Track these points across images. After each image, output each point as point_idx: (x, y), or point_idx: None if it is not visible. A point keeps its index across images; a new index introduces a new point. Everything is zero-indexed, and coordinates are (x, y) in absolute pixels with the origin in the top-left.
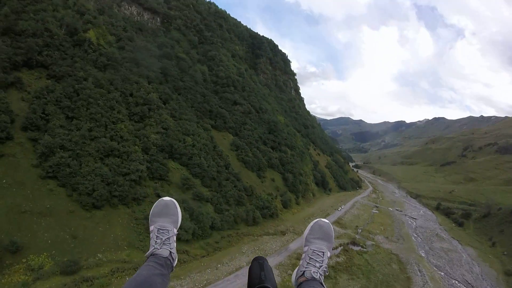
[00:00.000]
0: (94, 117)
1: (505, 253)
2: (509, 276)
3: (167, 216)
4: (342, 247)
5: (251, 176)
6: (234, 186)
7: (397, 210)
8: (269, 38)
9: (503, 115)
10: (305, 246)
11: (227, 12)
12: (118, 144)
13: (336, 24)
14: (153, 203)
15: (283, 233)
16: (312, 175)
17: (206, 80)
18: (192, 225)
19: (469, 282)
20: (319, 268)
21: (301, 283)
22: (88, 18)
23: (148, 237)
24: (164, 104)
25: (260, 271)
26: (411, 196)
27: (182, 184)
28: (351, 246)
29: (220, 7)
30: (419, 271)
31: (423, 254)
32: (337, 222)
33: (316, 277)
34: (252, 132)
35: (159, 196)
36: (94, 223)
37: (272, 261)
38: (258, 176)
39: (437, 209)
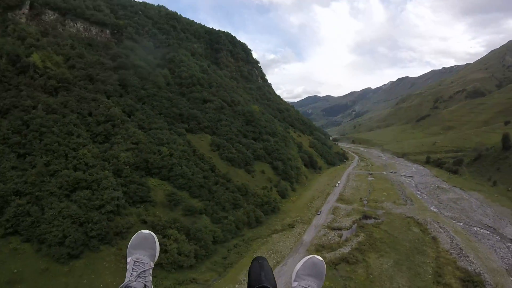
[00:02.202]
0: (50, 148)
1: (510, 189)
2: None
3: (144, 249)
4: (356, 224)
5: (240, 174)
6: (226, 189)
7: (391, 172)
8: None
9: (463, 63)
10: (294, 281)
11: (179, 14)
12: (84, 173)
13: (287, 8)
14: None
15: (291, 227)
16: (299, 158)
17: (170, 83)
18: (192, 247)
19: (489, 225)
20: None
21: None
22: (30, 42)
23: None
24: (129, 116)
25: (260, 271)
26: (397, 156)
27: (168, 201)
28: (364, 221)
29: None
30: (441, 228)
31: (435, 210)
32: (339, 199)
33: None
34: (230, 127)
35: (145, 223)
36: (76, 277)
37: (293, 262)
38: (248, 172)
39: (427, 162)
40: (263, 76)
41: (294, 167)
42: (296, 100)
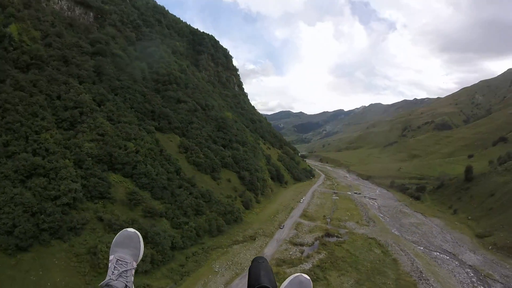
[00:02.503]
0: (11, 127)
1: (469, 218)
2: (481, 238)
3: (128, 248)
4: (318, 241)
5: (205, 180)
6: (190, 194)
7: (355, 193)
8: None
9: (435, 97)
10: None
11: (166, 9)
12: (44, 159)
13: (273, 21)
14: (95, 231)
15: (253, 239)
16: (267, 170)
17: (146, 78)
18: (148, 251)
19: (449, 250)
20: None
21: None
22: (11, 12)
23: (99, 275)
24: (99, 106)
25: (260, 271)
26: (362, 178)
27: (129, 200)
28: (327, 238)
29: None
30: (402, 250)
31: (397, 233)
32: (303, 215)
33: None
34: (201, 130)
35: (102, 220)
36: (23, 271)
37: None
38: (213, 178)
39: (391, 186)
40: (240, 85)
41: (261, 178)
42: (270, 113)
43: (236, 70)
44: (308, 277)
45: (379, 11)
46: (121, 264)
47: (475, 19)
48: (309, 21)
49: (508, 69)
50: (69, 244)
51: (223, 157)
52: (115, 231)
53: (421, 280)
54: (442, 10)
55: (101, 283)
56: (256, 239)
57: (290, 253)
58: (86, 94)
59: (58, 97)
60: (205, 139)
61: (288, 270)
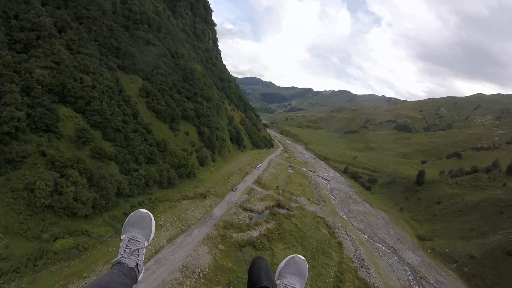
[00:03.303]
0: None
1: (413, 218)
2: (422, 241)
3: (140, 228)
4: (268, 210)
5: (163, 129)
6: (144, 140)
7: (310, 171)
8: None
9: (402, 99)
10: (277, 279)
11: None
12: None
13: None
14: (35, 166)
15: (203, 196)
16: (227, 131)
17: (117, 13)
18: (91, 194)
19: (391, 245)
20: None
21: None
22: None
23: (34, 214)
24: (59, 33)
25: (260, 271)
26: (319, 158)
27: (77, 137)
28: (277, 209)
29: None
30: (347, 235)
31: (345, 217)
32: (257, 182)
33: None
34: (166, 78)
35: (44, 155)
36: None
37: (198, 234)
38: (171, 129)
39: (345, 172)
40: (215, 41)
41: (220, 138)
42: (239, 76)
43: (213, 24)
44: (303, 258)
45: (368, 3)
46: (133, 243)
47: (459, 38)
48: None
49: (477, 93)
50: (6, 178)
51: (185, 109)
52: (57, 169)
53: (362, 268)
54: (430, 21)
55: (113, 260)
56: (207, 197)
57: (239, 217)
58: (47, 17)
59: (16, 17)
60: (169, 87)
61: (235, 235)
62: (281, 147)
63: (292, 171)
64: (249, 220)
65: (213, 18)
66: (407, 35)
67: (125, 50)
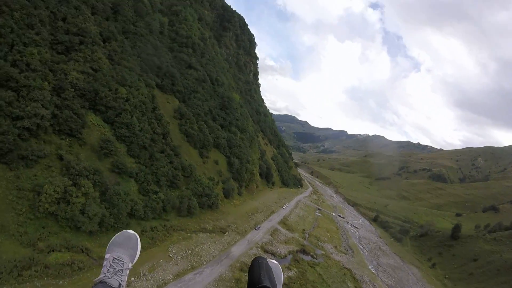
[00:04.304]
0: None
1: (447, 276)
2: None
3: (126, 249)
4: (292, 255)
5: (192, 153)
6: (170, 162)
7: (339, 216)
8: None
9: (438, 147)
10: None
11: None
12: (21, 73)
13: (304, 26)
14: (49, 169)
15: (223, 231)
16: (258, 165)
17: (164, 33)
18: (101, 210)
19: None
20: None
21: None
22: None
23: (36, 219)
24: (104, 42)
25: (260, 271)
26: (348, 203)
27: (100, 147)
28: (301, 255)
29: None
30: None
31: (373, 270)
32: (283, 223)
33: None
34: (203, 103)
35: (61, 159)
36: None
37: (210, 273)
38: (201, 155)
39: (375, 220)
40: (256, 74)
41: (250, 171)
42: (275, 113)
43: (256, 57)
44: (276, 262)
45: (409, 48)
46: (117, 263)
47: (498, 86)
48: (339, 36)
49: None
50: (15, 175)
51: (217, 137)
52: (71, 176)
53: None
54: (469, 67)
55: (96, 279)
56: (227, 233)
57: None
58: (94, 26)
59: (63, 19)
60: (205, 112)
61: None
62: (311, 188)
63: (320, 215)
64: None
65: (256, 52)
66: (446, 81)
67: (166, 70)
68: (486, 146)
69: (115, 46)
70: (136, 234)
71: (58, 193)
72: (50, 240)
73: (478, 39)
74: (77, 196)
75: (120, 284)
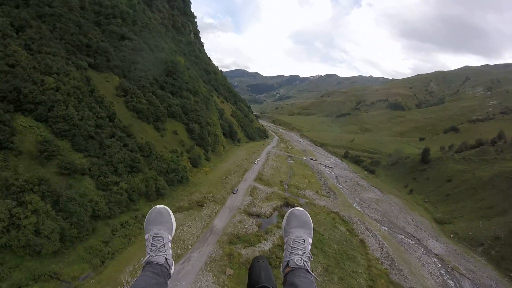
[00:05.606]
0: None
1: (426, 200)
2: (441, 224)
3: (161, 224)
4: (277, 211)
5: (146, 130)
6: (124, 146)
7: (311, 159)
8: None
9: (390, 77)
10: (284, 237)
11: None
12: None
13: None
14: None
15: (200, 205)
16: (219, 125)
17: (85, 8)
18: (57, 224)
19: (413, 234)
20: (302, 256)
21: (287, 274)
22: None
23: None
24: (17, 33)
25: (260, 271)
26: (316, 145)
27: (39, 151)
28: (286, 209)
29: None
30: (368, 230)
31: (359, 208)
32: (258, 179)
33: (300, 264)
34: (146, 73)
35: None
36: None
37: (199, 257)
38: (156, 129)
39: (345, 157)
40: (196, 33)
41: (212, 133)
42: (225, 70)
43: (193, 16)
44: (301, 209)
45: None
46: (157, 239)
47: (440, 13)
48: None
49: (464, 66)
50: None
51: (170, 105)
52: (13, 195)
53: (393, 269)
54: None
55: (143, 261)
56: (205, 205)
57: (246, 226)
58: (3, 17)
59: None
60: (151, 83)
61: (244, 252)
62: (276, 137)
63: (293, 162)
64: (257, 228)
65: (192, 10)
66: (388, 13)
67: (97, 46)
68: (436, 71)
69: (31, 34)
70: (165, 207)
71: (3, 220)
72: (13, 277)
73: None
74: (26, 217)
75: (166, 258)
